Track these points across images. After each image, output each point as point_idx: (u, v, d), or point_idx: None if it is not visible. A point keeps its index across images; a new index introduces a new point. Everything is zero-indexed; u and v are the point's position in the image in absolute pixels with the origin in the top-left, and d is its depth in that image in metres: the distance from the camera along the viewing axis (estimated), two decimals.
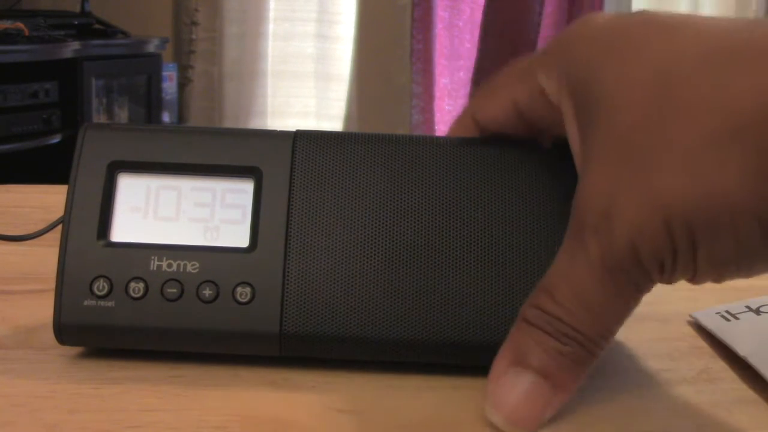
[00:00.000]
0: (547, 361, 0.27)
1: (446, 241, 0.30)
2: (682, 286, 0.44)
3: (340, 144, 0.32)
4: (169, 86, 2.50)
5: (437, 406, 0.29)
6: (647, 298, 0.42)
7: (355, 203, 0.31)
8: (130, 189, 0.31)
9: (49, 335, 0.31)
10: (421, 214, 0.31)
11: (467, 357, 0.29)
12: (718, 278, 0.26)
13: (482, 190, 0.31)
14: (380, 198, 0.31)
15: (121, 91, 2.24)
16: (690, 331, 0.37)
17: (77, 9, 2.26)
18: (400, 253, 0.30)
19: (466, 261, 0.30)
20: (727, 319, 0.36)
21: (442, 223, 0.31)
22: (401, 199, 0.31)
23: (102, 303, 0.30)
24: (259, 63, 2.59)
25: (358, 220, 0.31)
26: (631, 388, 0.31)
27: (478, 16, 2.39)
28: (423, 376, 0.31)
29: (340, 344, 0.30)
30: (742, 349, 0.33)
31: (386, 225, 0.31)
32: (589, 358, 0.27)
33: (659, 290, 0.44)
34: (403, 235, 0.30)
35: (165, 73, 2.41)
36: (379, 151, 0.31)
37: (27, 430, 0.26)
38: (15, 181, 0.62)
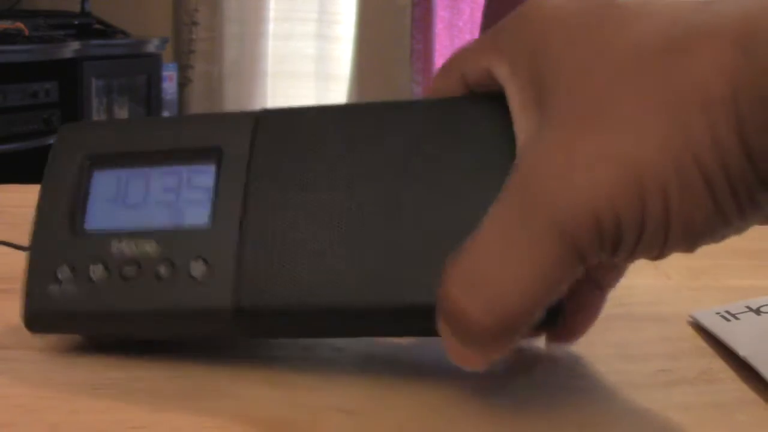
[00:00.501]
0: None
1: (411, 202, 0.29)
2: (683, 285, 0.45)
3: (301, 116, 0.32)
4: (169, 86, 2.50)
5: (436, 405, 0.29)
6: (647, 299, 0.42)
7: (316, 173, 0.30)
8: (101, 180, 0.32)
9: (50, 335, 0.31)
10: (385, 179, 0.30)
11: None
12: (691, 246, 0.24)
13: (447, 149, 0.30)
14: (342, 165, 0.30)
15: (121, 91, 2.24)
16: (690, 331, 0.37)
17: (77, 9, 2.26)
18: (362, 219, 0.29)
19: (434, 222, 0.29)
20: (728, 320, 0.36)
21: (407, 186, 0.30)
22: (364, 164, 0.30)
23: (65, 288, 0.30)
24: (259, 63, 2.60)
25: (318, 190, 0.30)
26: (631, 388, 0.31)
27: (478, 16, 2.39)
28: (422, 376, 0.31)
29: (303, 320, 0.29)
30: (742, 349, 0.33)
31: (347, 191, 0.30)
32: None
33: (659, 290, 0.44)
34: (366, 201, 0.30)
35: (165, 73, 2.41)
36: (341, 120, 0.31)
37: (28, 430, 0.27)
38: (15, 181, 0.62)
